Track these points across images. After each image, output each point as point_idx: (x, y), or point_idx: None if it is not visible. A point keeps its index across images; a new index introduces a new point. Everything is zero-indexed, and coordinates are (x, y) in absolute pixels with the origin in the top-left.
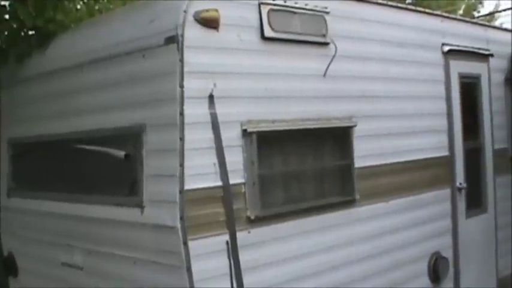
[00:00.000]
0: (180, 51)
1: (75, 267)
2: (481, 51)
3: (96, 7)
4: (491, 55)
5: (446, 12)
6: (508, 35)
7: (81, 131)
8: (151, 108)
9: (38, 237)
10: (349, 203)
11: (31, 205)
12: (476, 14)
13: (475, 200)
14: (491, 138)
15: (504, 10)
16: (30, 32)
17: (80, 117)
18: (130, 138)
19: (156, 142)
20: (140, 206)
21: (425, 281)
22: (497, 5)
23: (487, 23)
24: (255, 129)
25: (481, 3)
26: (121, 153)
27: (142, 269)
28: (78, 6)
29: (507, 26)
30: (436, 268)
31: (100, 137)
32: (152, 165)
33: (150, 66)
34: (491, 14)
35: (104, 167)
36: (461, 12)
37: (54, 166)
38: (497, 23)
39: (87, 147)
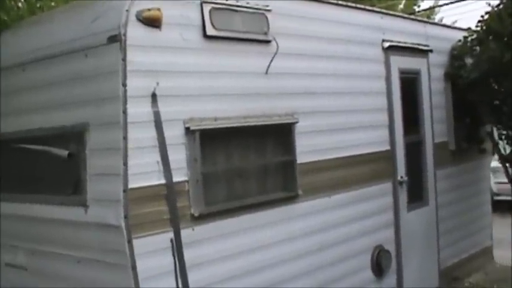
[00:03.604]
0: (123, 50)
1: (19, 267)
2: (420, 47)
3: (38, 5)
4: (431, 51)
5: (387, 6)
6: (447, 31)
7: (25, 130)
8: (95, 107)
9: None
10: (291, 198)
11: None
12: (417, 8)
13: (416, 193)
14: (431, 132)
15: (444, 5)
16: None
17: (23, 117)
18: (74, 137)
19: (99, 141)
20: (84, 205)
21: (369, 274)
22: None
23: (426, 20)
24: (197, 127)
25: None
26: (64, 153)
27: (87, 268)
28: (20, 4)
29: (447, 20)
30: (379, 261)
31: (44, 136)
32: (96, 164)
33: (92, 65)
34: (431, 8)
35: (48, 166)
36: (401, 6)
37: None
38: (437, 17)
39: (31, 146)
